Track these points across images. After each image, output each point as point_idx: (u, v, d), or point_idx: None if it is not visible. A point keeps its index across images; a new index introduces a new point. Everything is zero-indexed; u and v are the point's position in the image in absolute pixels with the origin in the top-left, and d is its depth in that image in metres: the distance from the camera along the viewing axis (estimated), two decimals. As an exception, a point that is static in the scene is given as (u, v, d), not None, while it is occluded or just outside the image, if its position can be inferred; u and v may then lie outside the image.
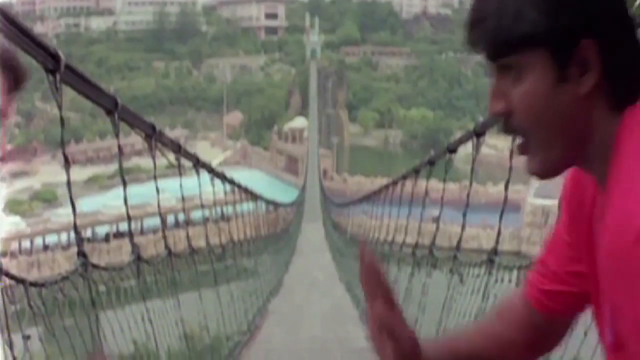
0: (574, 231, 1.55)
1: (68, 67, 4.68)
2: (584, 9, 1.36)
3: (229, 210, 15.78)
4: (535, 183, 79.46)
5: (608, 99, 1.38)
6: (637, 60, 1.39)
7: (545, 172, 1.47)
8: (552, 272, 1.68)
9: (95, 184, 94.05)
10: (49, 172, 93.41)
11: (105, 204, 72.03)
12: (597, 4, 1.37)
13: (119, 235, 67.57)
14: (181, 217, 9.23)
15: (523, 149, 1.46)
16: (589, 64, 1.36)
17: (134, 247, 6.40)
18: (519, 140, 1.46)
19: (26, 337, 3.75)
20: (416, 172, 11.50)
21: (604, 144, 1.37)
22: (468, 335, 1.87)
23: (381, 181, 42.77)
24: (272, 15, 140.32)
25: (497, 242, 6.78)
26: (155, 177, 7.09)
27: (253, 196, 19.92)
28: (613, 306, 1.34)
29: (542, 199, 73.08)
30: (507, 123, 1.44)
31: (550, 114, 1.39)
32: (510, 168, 6.23)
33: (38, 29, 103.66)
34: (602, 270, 1.36)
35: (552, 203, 62.92)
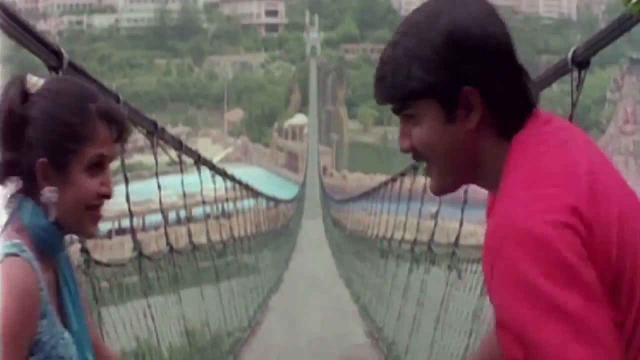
0: None
1: (71, 65, 4.73)
2: (462, 64, 1.64)
3: (229, 206, 15.83)
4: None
5: (494, 129, 1.68)
6: (518, 95, 1.69)
7: (441, 191, 1.78)
8: None
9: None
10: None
11: (108, 200, 72.00)
12: (473, 58, 1.65)
13: (121, 231, 67.56)
14: (182, 213, 9.28)
15: (427, 172, 1.79)
16: (472, 105, 1.66)
17: (136, 243, 6.42)
18: (424, 161, 1.78)
19: None
20: (414, 168, 11.52)
21: (496, 166, 1.67)
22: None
23: (380, 178, 42.78)
24: (272, 13, 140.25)
25: (494, 238, 6.71)
26: (157, 174, 7.14)
27: (254, 193, 19.96)
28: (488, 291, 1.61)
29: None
30: (414, 155, 1.78)
31: (444, 148, 1.70)
32: (507, 164, 6.30)
33: (41, 26, 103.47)
34: (483, 262, 1.60)
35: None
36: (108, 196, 2.05)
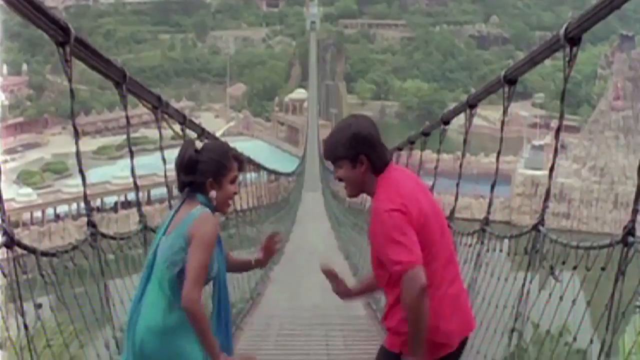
0: None
1: (78, 40, 4.88)
2: (358, 147, 4.05)
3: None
4: (526, 154, 79.37)
5: (373, 171, 4.10)
6: (381, 158, 4.11)
7: (351, 197, 4.33)
8: None
9: (103, 154, 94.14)
10: (59, 143, 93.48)
11: (114, 174, 72.21)
12: (363, 144, 4.05)
13: (126, 204, 67.96)
14: None
15: (345, 188, 4.21)
16: (363, 162, 4.08)
17: (142, 216, 6.63)
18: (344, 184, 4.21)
19: (37, 306, 3.88)
20: (411, 142, 11.64)
21: (372, 186, 4.11)
22: (366, 277, 4.68)
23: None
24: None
25: (488, 212, 6.94)
26: (161, 148, 7.30)
27: (255, 166, 20.07)
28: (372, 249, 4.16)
29: (531, 170, 73.18)
30: (339, 180, 4.18)
31: (350, 179, 4.14)
32: (501, 139, 6.45)
33: (48, 2, 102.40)
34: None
35: (542, 174, 62.86)
36: (236, 193, 4.33)
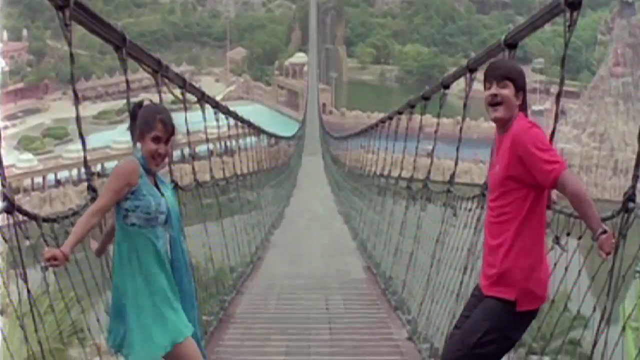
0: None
1: (77, 4, 4.88)
2: (522, 82, 4.45)
3: (232, 144, 15.96)
4: (525, 118, 79.67)
5: (521, 106, 4.38)
6: (525, 99, 4.44)
7: (499, 118, 4.36)
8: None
9: (104, 119, 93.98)
10: (60, 108, 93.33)
11: (114, 139, 72.17)
12: (523, 80, 4.43)
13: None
14: (187, 151, 9.22)
15: (497, 107, 4.34)
16: (520, 97, 4.37)
17: (142, 181, 6.61)
18: (498, 106, 4.35)
19: (45, 268, 3.87)
20: (411, 106, 11.64)
21: (512, 121, 4.33)
22: None
23: (378, 116, 42.81)
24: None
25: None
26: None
27: (255, 130, 20.06)
28: (500, 165, 4.36)
29: (531, 135, 73.19)
30: (494, 98, 4.34)
31: (510, 102, 4.34)
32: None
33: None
34: (504, 150, 4.31)
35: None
36: (159, 155, 4.45)
